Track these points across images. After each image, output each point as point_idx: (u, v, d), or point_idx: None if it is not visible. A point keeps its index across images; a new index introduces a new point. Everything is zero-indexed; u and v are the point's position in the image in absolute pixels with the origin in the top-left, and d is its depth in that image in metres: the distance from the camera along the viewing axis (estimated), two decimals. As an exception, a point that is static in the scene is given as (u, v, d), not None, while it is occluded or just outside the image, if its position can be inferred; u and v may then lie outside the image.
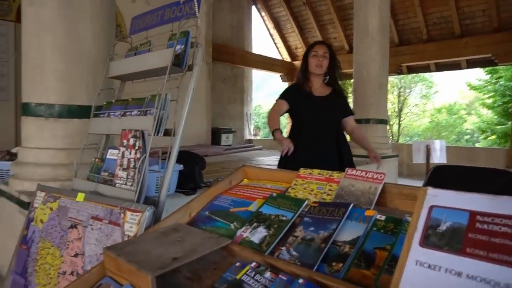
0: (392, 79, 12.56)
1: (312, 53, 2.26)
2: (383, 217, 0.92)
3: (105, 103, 1.80)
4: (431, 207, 0.70)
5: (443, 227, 0.65)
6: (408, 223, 0.84)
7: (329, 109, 2.24)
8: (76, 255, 1.38)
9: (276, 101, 2.28)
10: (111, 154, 1.57)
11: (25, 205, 1.90)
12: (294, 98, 2.25)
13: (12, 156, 2.59)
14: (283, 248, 0.94)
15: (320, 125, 2.21)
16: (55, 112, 2.05)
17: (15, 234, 1.79)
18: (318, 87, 2.29)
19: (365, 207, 1.00)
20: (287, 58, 11.56)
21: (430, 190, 0.72)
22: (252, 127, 10.51)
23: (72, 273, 1.38)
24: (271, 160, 5.39)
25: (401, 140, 16.30)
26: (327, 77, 2.31)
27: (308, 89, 2.25)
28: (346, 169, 1.11)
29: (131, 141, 1.43)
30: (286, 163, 2.07)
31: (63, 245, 1.46)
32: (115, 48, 2.01)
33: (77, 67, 2.09)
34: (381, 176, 1.05)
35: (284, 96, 2.30)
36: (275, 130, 2.07)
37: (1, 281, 1.97)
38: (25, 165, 2.10)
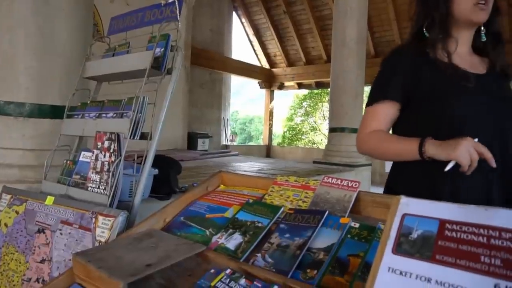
0: (368, 89, 12.89)
1: None
2: (357, 225, 0.94)
3: (79, 103, 1.75)
4: (404, 215, 0.72)
5: (414, 234, 0.66)
6: (381, 231, 0.86)
7: (501, 99, 1.14)
8: (42, 261, 1.33)
9: (370, 108, 1.22)
10: (84, 156, 1.53)
11: (-11, 208, 1.81)
12: (416, 81, 1.14)
13: (-23, 156, 2.47)
14: (259, 255, 0.94)
15: (487, 131, 1.07)
16: (25, 111, 1.97)
17: (-23, 238, 1.70)
18: (466, 55, 1.19)
19: (340, 214, 1.01)
20: (265, 65, 11.67)
21: (403, 199, 0.74)
22: (229, 133, 10.50)
23: (37, 280, 1.32)
24: (247, 166, 5.40)
25: (374, 149, 16.67)
26: (483, 32, 1.19)
27: (446, 59, 1.13)
28: (322, 176, 1.13)
29: (106, 143, 1.39)
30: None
31: (29, 250, 1.40)
32: (91, 48, 1.97)
33: (50, 65, 2.02)
34: (356, 184, 1.07)
35: (386, 91, 1.18)
36: (420, 142, 1.05)
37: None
38: (-10, 165, 2.01)
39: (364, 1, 5.83)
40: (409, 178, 1.18)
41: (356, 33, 5.66)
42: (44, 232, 1.38)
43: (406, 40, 1.27)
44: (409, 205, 0.73)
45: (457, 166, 1.00)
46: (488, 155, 0.97)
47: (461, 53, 1.17)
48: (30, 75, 1.98)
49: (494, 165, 0.98)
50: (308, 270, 0.85)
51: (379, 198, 0.99)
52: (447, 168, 1.01)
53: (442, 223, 0.66)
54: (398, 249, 0.66)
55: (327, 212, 0.99)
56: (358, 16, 5.69)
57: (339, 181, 1.10)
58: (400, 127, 1.22)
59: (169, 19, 1.51)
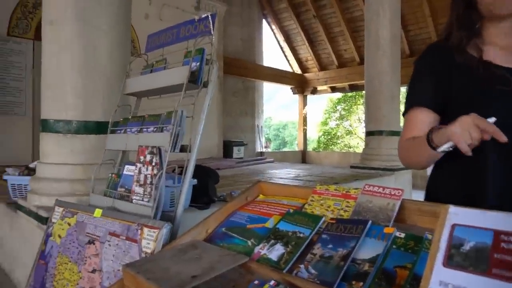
0: (404, 90, 12.50)
1: None
2: (402, 235, 0.91)
3: (121, 119, 1.84)
4: (453, 226, 0.69)
5: (466, 246, 0.64)
6: (429, 241, 0.83)
7: None
8: (93, 271, 1.39)
9: (406, 115, 1.16)
10: (128, 170, 1.59)
11: (43, 220, 1.93)
12: (448, 85, 1.06)
13: (30, 171, 2.65)
14: (302, 266, 0.93)
15: None
16: (73, 128, 2.10)
17: (33, 249, 1.81)
18: (504, 50, 1.05)
19: (383, 224, 0.99)
20: (297, 70, 11.64)
21: (452, 208, 0.71)
22: (263, 140, 10.53)
23: (89, 289, 1.39)
24: (283, 173, 5.39)
25: (414, 151, 16.05)
26: None
27: (481, 56, 1.04)
28: (364, 184, 1.10)
29: (148, 157, 1.45)
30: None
31: (81, 260, 1.47)
32: (130, 65, 2.06)
33: (94, 83, 2.14)
34: (399, 192, 1.04)
35: (416, 96, 1.13)
36: (432, 130, 0.99)
37: (19, 296, 1.99)
38: (43, 180, 2.14)
39: (397, 0, 5.68)
40: (448, 181, 1.11)
41: (390, 33, 5.53)
42: (94, 243, 1.45)
43: (439, 38, 1.17)
44: (458, 214, 0.70)
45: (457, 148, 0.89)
46: (492, 128, 0.85)
47: (499, 49, 1.04)
48: (76, 94, 2.11)
49: (504, 139, 0.85)
50: (354, 282, 0.84)
51: (425, 206, 0.96)
52: (440, 149, 0.94)
53: (497, 234, 0.63)
54: (450, 262, 0.63)
55: (370, 222, 0.96)
56: (391, 16, 5.55)
57: (381, 189, 1.07)
58: None
59: (203, 33, 1.56)
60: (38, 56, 2.29)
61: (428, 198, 1.19)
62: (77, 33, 2.10)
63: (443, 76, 1.07)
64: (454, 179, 1.10)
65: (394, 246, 0.89)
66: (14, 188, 2.62)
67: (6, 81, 5.41)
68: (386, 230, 0.94)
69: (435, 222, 0.89)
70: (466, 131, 0.87)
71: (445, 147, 0.93)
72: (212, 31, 1.53)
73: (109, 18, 2.18)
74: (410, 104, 1.14)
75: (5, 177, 2.67)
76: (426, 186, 1.22)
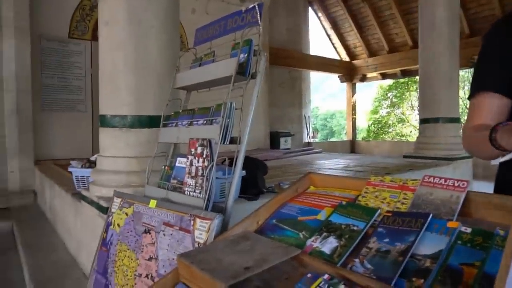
0: (463, 74, 11.64)
1: None
2: (468, 230, 0.84)
3: (172, 113, 1.89)
4: (532, 222, 0.62)
5: (550, 245, 0.57)
6: (501, 237, 0.76)
7: None
8: (150, 259, 1.46)
9: (472, 100, 1.06)
10: (180, 162, 1.64)
11: (104, 210, 2.05)
12: None
13: (91, 164, 2.83)
14: (357, 260, 0.90)
15: None
16: (128, 122, 2.20)
17: (96, 237, 1.94)
18: None
19: (446, 217, 0.92)
20: (345, 57, 11.29)
21: (530, 202, 0.64)
22: (310, 130, 10.39)
23: (147, 276, 1.45)
24: (332, 163, 5.28)
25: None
26: None
27: None
28: (423, 175, 1.03)
29: (199, 149, 1.47)
30: None
31: (138, 248, 1.55)
32: (180, 59, 2.11)
33: (145, 79, 2.22)
34: (463, 184, 0.96)
35: (483, 80, 1.03)
36: (496, 128, 0.88)
37: (86, 279, 2.15)
38: (102, 172, 2.28)
39: (454, -24, 5.27)
40: None
41: (447, 13, 5.14)
42: (150, 233, 1.52)
43: (509, 13, 1.03)
44: (538, 209, 0.62)
45: None
46: None
47: None
48: (130, 90, 2.20)
49: None
50: (414, 279, 0.79)
51: (495, 199, 0.88)
52: (501, 159, 0.85)
53: None
54: (529, 262, 0.57)
55: (431, 215, 0.90)
56: (448, -7, 5.16)
57: (442, 181, 1.00)
58: None
59: (250, 24, 1.54)
60: (95, 56, 2.43)
61: (497, 188, 1.08)
62: (129, 32, 2.18)
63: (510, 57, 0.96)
64: None
65: (459, 242, 0.83)
66: (78, 180, 2.82)
67: (69, 80, 5.82)
68: (449, 224, 0.87)
69: (507, 216, 0.81)
70: None
71: (505, 158, 0.85)
72: (259, 21, 1.51)
73: (159, 16, 2.24)
74: (476, 88, 1.04)
75: (70, 169, 2.88)
76: (496, 175, 1.11)
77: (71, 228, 2.91)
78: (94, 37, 5.72)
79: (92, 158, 2.95)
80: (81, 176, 2.82)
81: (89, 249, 2.21)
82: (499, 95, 1.00)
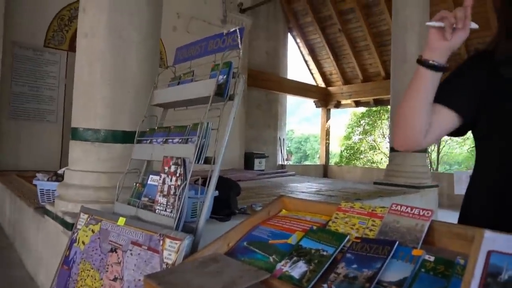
0: (431, 106, 12.18)
1: None
2: (432, 258, 0.87)
3: (148, 129, 1.87)
4: (490, 252, 0.65)
5: (505, 275, 0.60)
6: (461, 266, 0.79)
7: None
8: (115, 279, 1.41)
9: None
10: (152, 179, 1.61)
11: (69, 226, 1.97)
12: (492, 98, 0.97)
13: (58, 177, 2.73)
14: (325, 285, 0.90)
15: None
16: (101, 136, 2.15)
17: (58, 254, 1.86)
18: None
19: (411, 245, 0.95)
20: (321, 84, 11.61)
21: (488, 233, 0.67)
22: (284, 152, 10.49)
23: (110, 297, 1.40)
24: (304, 187, 5.33)
25: (440, 169, 15.59)
26: None
27: None
28: (391, 203, 1.07)
29: (172, 168, 1.46)
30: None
31: (103, 268, 1.49)
32: (158, 76, 2.11)
33: (122, 94, 2.20)
34: (428, 213, 1.00)
35: (445, 94, 1.02)
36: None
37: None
38: (70, 186, 2.20)
39: (425, 14, 5.59)
40: (481, 194, 1.05)
41: (418, 48, 5.42)
42: (116, 252, 1.47)
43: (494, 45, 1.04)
44: (495, 240, 0.66)
45: None
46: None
47: None
48: (105, 104, 2.17)
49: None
50: (380, 306, 0.80)
51: (456, 229, 0.92)
52: (428, 23, 0.94)
53: (538, 263, 0.59)
54: (486, 291, 0.60)
55: (397, 243, 0.93)
56: (419, 30, 5.46)
57: (409, 209, 1.03)
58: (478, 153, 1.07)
59: (231, 47, 1.58)
60: (71, 66, 2.39)
61: (461, 218, 1.13)
62: (108, 45, 2.17)
63: (486, 86, 0.99)
64: (486, 192, 1.03)
65: (422, 270, 0.85)
66: (43, 193, 2.71)
67: (41, 90, 5.66)
68: (414, 252, 0.90)
69: (467, 246, 0.85)
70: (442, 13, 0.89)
71: (433, 23, 0.92)
72: (240, 45, 1.54)
73: (140, 31, 2.24)
74: (435, 98, 1.03)
75: (35, 182, 2.76)
76: (461, 205, 1.15)
77: (31, 244, 2.77)
78: (72, 48, 5.62)
79: (60, 172, 2.85)
80: (46, 190, 2.71)
81: (50, 267, 2.11)
82: (448, 109, 1.02)
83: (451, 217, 1.16)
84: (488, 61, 1.00)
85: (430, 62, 0.94)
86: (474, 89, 1.00)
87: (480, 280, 0.61)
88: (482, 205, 1.05)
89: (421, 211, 1.01)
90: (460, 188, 4.98)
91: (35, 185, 2.76)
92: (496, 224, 0.79)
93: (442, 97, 1.01)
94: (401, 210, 1.04)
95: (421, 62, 0.95)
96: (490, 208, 1.02)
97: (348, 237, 1.03)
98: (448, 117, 1.02)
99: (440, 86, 1.01)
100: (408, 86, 1.00)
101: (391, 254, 0.90)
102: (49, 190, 2.68)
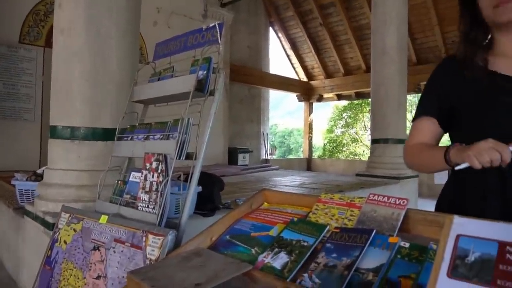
0: (411, 98, 12.43)
1: None
2: (407, 244, 0.91)
3: (128, 126, 1.85)
4: (458, 236, 0.69)
5: (471, 257, 0.63)
6: (434, 251, 0.83)
7: None
8: (98, 277, 1.40)
9: (414, 122, 1.20)
10: (134, 177, 1.61)
11: (50, 226, 1.95)
12: (456, 99, 1.09)
13: (38, 177, 2.67)
14: (305, 274, 0.93)
15: None
16: (80, 134, 2.12)
17: (40, 254, 1.83)
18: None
19: (388, 233, 0.98)
20: (303, 78, 11.67)
21: (456, 219, 0.71)
22: (268, 147, 10.53)
23: (94, 295, 1.39)
24: (288, 180, 5.38)
25: (421, 159, 15.89)
26: None
27: (486, 67, 1.05)
28: (368, 193, 1.10)
29: (154, 164, 1.46)
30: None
31: (86, 267, 1.48)
32: (138, 72, 2.08)
33: (102, 91, 2.17)
34: (403, 202, 1.03)
35: (425, 107, 1.17)
36: (446, 148, 0.99)
37: (25, 301, 2.01)
38: (50, 186, 2.16)
39: (404, 8, 5.69)
40: (458, 192, 1.13)
41: (397, 41, 5.53)
42: (99, 250, 1.46)
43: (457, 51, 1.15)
44: (463, 225, 0.69)
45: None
46: (504, 155, 0.86)
47: (509, 59, 1.04)
48: (84, 101, 2.13)
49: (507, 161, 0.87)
50: (358, 292, 0.83)
51: (429, 216, 0.95)
52: (457, 167, 0.96)
53: (502, 245, 0.62)
54: (454, 273, 0.63)
55: (374, 231, 0.96)
56: (398, 24, 5.56)
57: (385, 199, 1.07)
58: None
59: (210, 42, 1.58)
60: (48, 63, 2.32)
61: (438, 208, 1.19)
62: (86, 41, 2.13)
63: (450, 90, 1.12)
64: (461, 190, 1.12)
65: (398, 256, 0.89)
66: (22, 194, 2.65)
67: (17, 87, 5.50)
68: (390, 239, 0.94)
69: (440, 232, 0.89)
70: (479, 154, 0.88)
71: (462, 166, 0.95)
72: (219, 40, 1.55)
73: (119, 26, 2.21)
74: (419, 112, 1.19)
75: (13, 182, 2.70)
76: (438, 197, 1.23)
77: (11, 245, 2.71)
78: (49, 44, 5.47)
79: (39, 171, 2.79)
80: (25, 190, 2.65)
81: (31, 267, 2.08)
82: (436, 121, 1.15)
83: (431, 205, 1.21)
84: (454, 64, 1.13)
85: (455, 165, 0.97)
86: (442, 91, 1.14)
87: (450, 262, 0.65)
88: (450, 193, 1.16)
89: (397, 200, 1.04)
90: (440, 178, 5.13)
91: (14, 185, 2.69)
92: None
93: (424, 109, 1.18)
94: (378, 199, 1.08)
95: (448, 161, 0.99)
96: (456, 199, 1.12)
97: (327, 227, 1.06)
98: (434, 125, 1.16)
99: (420, 101, 1.21)
100: (424, 155, 1.13)
101: (368, 242, 0.94)
102: (29, 190, 2.62)
